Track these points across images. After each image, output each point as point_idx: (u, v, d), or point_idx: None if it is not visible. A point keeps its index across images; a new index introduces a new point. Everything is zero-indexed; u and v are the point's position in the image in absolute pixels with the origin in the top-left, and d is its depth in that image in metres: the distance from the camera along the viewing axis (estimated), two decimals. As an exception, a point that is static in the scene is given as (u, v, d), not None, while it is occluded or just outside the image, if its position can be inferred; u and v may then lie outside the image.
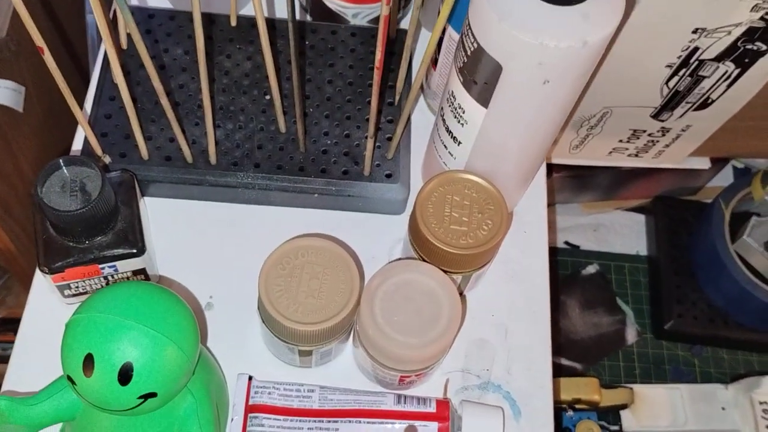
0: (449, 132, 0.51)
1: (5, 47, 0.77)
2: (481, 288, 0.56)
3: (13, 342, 1.17)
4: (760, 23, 0.60)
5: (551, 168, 0.84)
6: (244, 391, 0.49)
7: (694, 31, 0.61)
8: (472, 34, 0.43)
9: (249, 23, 0.61)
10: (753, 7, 0.58)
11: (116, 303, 0.37)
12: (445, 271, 0.50)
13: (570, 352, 0.83)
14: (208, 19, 0.61)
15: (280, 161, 0.56)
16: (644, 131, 0.77)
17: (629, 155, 0.82)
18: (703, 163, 0.85)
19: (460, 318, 0.46)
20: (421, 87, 0.63)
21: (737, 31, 0.61)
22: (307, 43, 0.61)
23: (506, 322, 0.55)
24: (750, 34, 0.61)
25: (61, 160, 0.45)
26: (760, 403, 0.78)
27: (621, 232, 0.92)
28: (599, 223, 0.93)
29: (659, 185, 0.91)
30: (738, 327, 0.83)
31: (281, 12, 0.65)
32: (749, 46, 0.63)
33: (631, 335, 0.86)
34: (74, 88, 0.47)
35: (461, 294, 0.54)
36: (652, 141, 0.79)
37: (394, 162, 0.57)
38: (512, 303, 0.56)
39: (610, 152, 0.81)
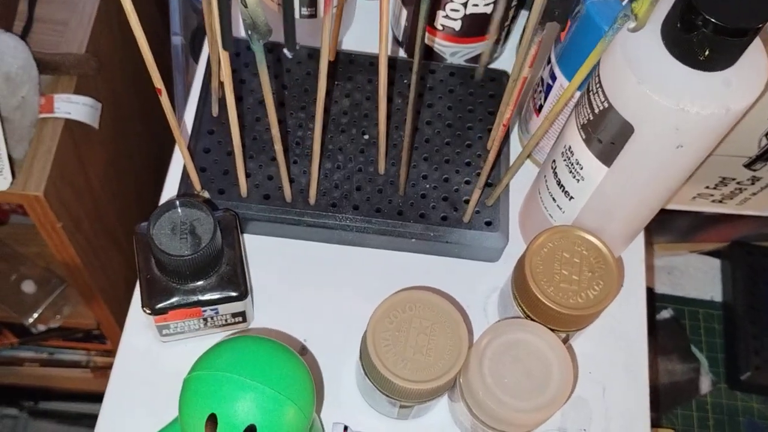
0: (561, 186, 0.50)
1: (87, 64, 0.77)
2: (579, 343, 0.55)
3: (62, 348, 1.17)
4: None
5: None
6: (340, 441, 0.48)
7: (803, 86, 0.59)
8: (603, 93, 0.42)
9: (347, 58, 0.61)
10: None
11: (239, 362, 0.36)
12: (553, 329, 0.49)
13: (643, 400, 0.81)
14: (307, 52, 0.61)
15: (379, 204, 0.55)
16: (733, 179, 0.75)
17: (713, 201, 0.80)
18: (787, 212, 0.83)
19: (571, 382, 0.45)
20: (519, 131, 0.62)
21: None
22: (405, 81, 0.61)
23: (603, 381, 0.54)
24: None
25: (177, 202, 0.45)
26: (841, 464, 0.76)
27: (695, 276, 0.90)
28: (673, 266, 0.91)
29: (737, 230, 0.89)
30: (817, 382, 0.81)
31: (361, 46, 0.64)
32: None
33: (705, 384, 0.84)
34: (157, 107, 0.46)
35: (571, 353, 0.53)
36: (740, 188, 0.77)
37: (494, 209, 0.56)
38: (610, 360, 0.55)
39: (695, 197, 0.80)
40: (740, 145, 0.69)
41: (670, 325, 0.86)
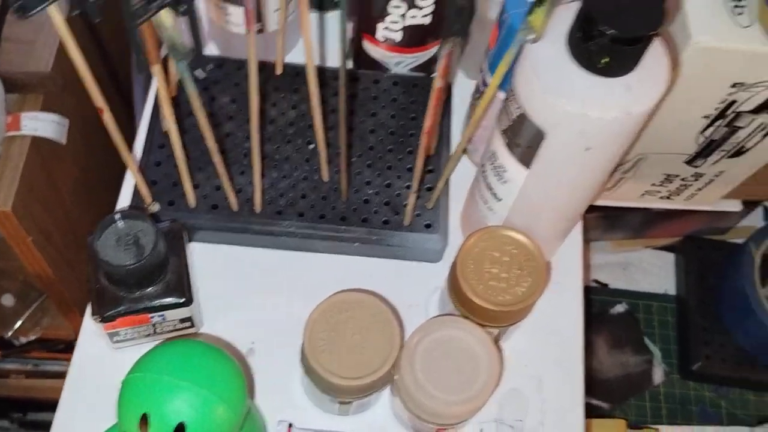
0: (490, 188, 0.52)
1: (51, 82, 0.79)
2: (515, 338, 0.57)
3: (46, 360, 1.19)
4: (797, 80, 0.61)
5: (582, 208, 0.85)
6: (284, 437, 0.51)
7: (733, 86, 0.62)
8: (516, 101, 0.44)
9: (294, 71, 0.63)
10: (791, 65, 0.59)
11: (171, 364, 0.39)
12: (482, 325, 0.52)
13: (597, 392, 0.84)
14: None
15: (323, 210, 0.57)
16: (677, 176, 0.78)
17: (661, 197, 0.83)
18: (735, 206, 0.86)
19: (498, 376, 0.47)
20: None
21: (774, 87, 0.62)
22: (350, 92, 0.63)
23: (540, 374, 0.56)
24: (786, 89, 0.62)
25: (116, 215, 0.47)
26: (787, 448, 0.78)
27: (650, 270, 0.93)
28: (628, 261, 0.93)
29: (689, 225, 0.92)
30: (766, 370, 0.83)
31: (327, 60, 0.67)
32: (786, 101, 0.64)
33: (658, 375, 0.86)
34: (120, 122, 0.48)
35: (498, 347, 0.55)
36: (685, 185, 0.80)
37: (433, 212, 0.58)
38: (546, 354, 0.57)
39: (643, 194, 0.82)
40: (680, 143, 0.71)
41: (624, 319, 0.88)
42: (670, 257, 0.94)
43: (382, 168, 0.59)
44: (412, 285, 0.58)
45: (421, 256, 0.59)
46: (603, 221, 0.88)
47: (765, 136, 0.69)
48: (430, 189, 0.59)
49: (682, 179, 0.79)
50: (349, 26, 0.65)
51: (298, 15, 0.64)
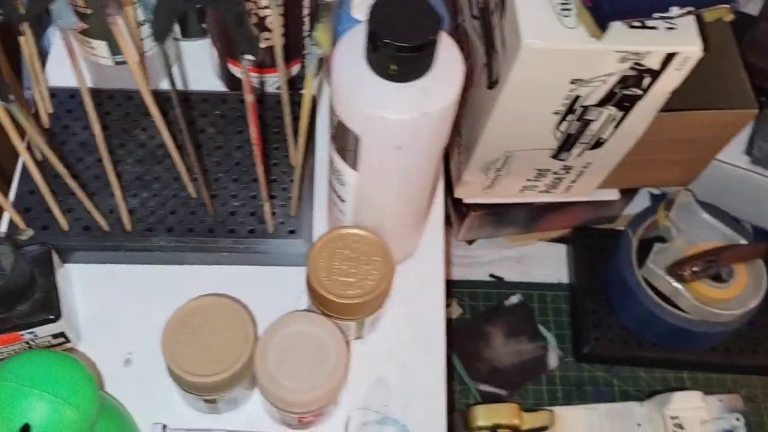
0: (335, 192, 0.56)
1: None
2: (381, 330, 0.61)
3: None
4: (632, 72, 0.66)
5: (468, 207, 0.90)
6: (158, 439, 0.54)
7: (573, 82, 0.67)
8: (335, 110, 0.48)
9: (162, 97, 0.67)
10: (621, 59, 0.64)
11: (15, 371, 0.42)
12: (339, 318, 0.56)
13: (494, 380, 0.88)
14: (125, 95, 0.67)
15: (191, 224, 0.61)
16: (548, 170, 0.83)
17: (540, 192, 0.88)
18: (613, 195, 0.91)
19: (345, 363, 0.51)
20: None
21: (612, 80, 0.67)
22: (217, 112, 0.67)
23: (404, 360, 0.60)
24: (624, 81, 0.67)
25: (-24, 241, 0.50)
26: (671, 417, 0.83)
27: (543, 262, 0.98)
28: (523, 254, 0.98)
29: (576, 217, 0.97)
30: (651, 347, 0.89)
31: (196, 84, 0.71)
32: (626, 92, 0.69)
33: (553, 360, 0.91)
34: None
35: (359, 338, 0.59)
36: (558, 178, 0.85)
37: (297, 219, 0.62)
38: (411, 343, 0.61)
39: (522, 190, 0.87)
40: (540, 139, 0.76)
41: (518, 309, 0.93)
42: (562, 248, 0.99)
43: (247, 181, 0.63)
44: (283, 288, 0.62)
45: (287, 261, 0.62)
46: (490, 219, 0.93)
47: (616, 127, 0.74)
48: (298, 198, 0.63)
49: (554, 173, 0.84)
50: (215, 51, 0.69)
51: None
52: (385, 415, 0.58)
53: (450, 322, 0.93)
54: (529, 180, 0.85)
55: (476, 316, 0.92)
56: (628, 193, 0.94)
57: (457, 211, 0.96)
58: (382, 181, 0.51)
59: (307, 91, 0.48)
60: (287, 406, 0.52)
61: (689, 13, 0.61)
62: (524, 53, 0.63)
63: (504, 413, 0.81)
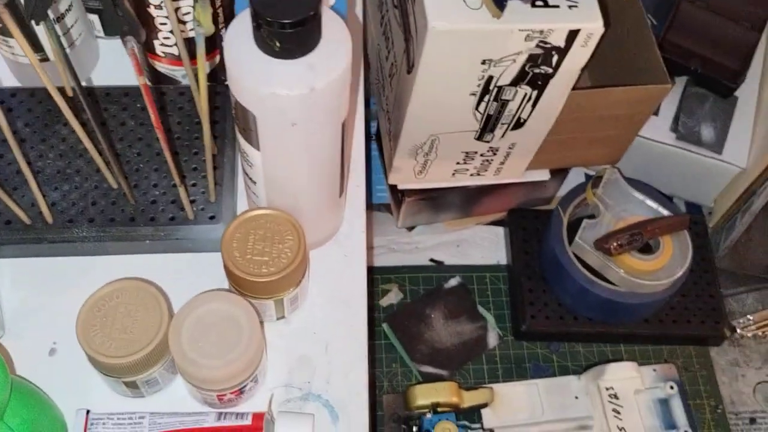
0: (246, 174, 0.58)
1: None
2: (304, 310, 0.63)
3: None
4: (538, 50, 0.68)
5: (404, 194, 0.92)
6: (82, 424, 0.55)
7: (483, 62, 0.69)
8: (230, 90, 0.50)
9: (84, 92, 0.68)
10: (526, 37, 0.66)
11: None
12: (257, 298, 0.57)
13: (436, 361, 0.90)
14: (46, 92, 0.68)
15: (112, 214, 0.62)
16: (476, 152, 0.84)
17: (471, 175, 0.90)
18: (544, 175, 0.93)
19: (258, 339, 0.53)
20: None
21: (521, 59, 0.69)
22: (138, 105, 0.68)
23: (327, 338, 0.62)
24: (533, 60, 0.69)
25: None
26: (606, 389, 0.85)
27: (482, 245, 1.00)
28: (462, 238, 1.00)
29: (512, 199, 0.99)
30: (587, 322, 0.90)
31: (117, 80, 0.71)
32: (537, 71, 0.71)
33: (492, 339, 0.93)
34: None
35: (282, 317, 0.61)
36: (487, 160, 0.87)
37: (217, 205, 0.63)
38: (334, 321, 0.63)
39: (453, 174, 0.89)
40: (462, 121, 0.78)
41: (457, 291, 0.95)
42: (500, 231, 1.01)
43: (167, 170, 0.65)
44: (208, 273, 0.63)
45: (210, 247, 0.64)
46: (426, 204, 0.95)
47: (533, 106, 0.76)
48: (216, 184, 0.64)
49: (482, 155, 0.86)
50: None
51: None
52: (308, 391, 0.60)
53: (392, 307, 0.95)
54: (458, 163, 0.87)
55: (416, 300, 0.93)
56: (559, 174, 0.96)
57: (394, 198, 0.98)
58: (284, 159, 0.53)
59: (201, 73, 0.49)
60: (203, 383, 0.53)
61: (585, -12, 0.63)
62: (431, 36, 0.65)
63: (443, 392, 0.83)
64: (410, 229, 1.01)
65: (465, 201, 0.96)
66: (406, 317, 0.92)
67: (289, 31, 0.44)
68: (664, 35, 1.00)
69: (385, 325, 0.92)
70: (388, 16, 0.84)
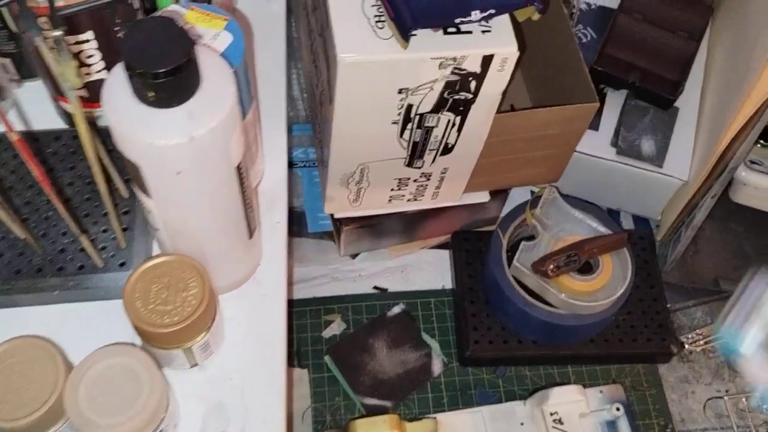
0: (148, 220, 0.56)
1: None
2: (221, 354, 0.61)
3: None
4: (455, 77, 0.67)
5: (341, 222, 0.90)
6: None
7: (400, 92, 0.68)
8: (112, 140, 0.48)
9: (-9, 139, 0.66)
10: (440, 65, 0.65)
11: None
12: (164, 348, 0.56)
13: (379, 392, 0.88)
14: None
15: (18, 266, 0.60)
16: (408, 178, 0.83)
17: (408, 200, 0.88)
18: (483, 197, 0.92)
19: (160, 390, 0.51)
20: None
21: (438, 86, 0.68)
22: (49, 150, 0.66)
23: (243, 384, 0.60)
24: (451, 86, 0.68)
25: None
26: (551, 414, 0.84)
27: (426, 269, 0.98)
28: (406, 264, 0.99)
29: (455, 222, 0.98)
30: (531, 345, 0.89)
31: (38, 123, 0.70)
32: (456, 97, 0.70)
33: (437, 367, 0.91)
34: None
35: (195, 365, 0.59)
36: (422, 186, 0.85)
37: (128, 251, 0.62)
38: (251, 365, 0.61)
39: (390, 200, 0.87)
40: (388, 149, 0.77)
41: (401, 319, 0.93)
42: (445, 254, 0.99)
43: (78, 217, 0.63)
44: (121, 321, 0.61)
45: (120, 294, 0.62)
46: (366, 231, 0.93)
47: (459, 131, 0.75)
48: (125, 230, 0.63)
49: (415, 181, 0.84)
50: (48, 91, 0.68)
51: None
52: (222, 440, 0.58)
53: (335, 338, 0.93)
54: (392, 190, 0.85)
55: (358, 330, 0.92)
56: (500, 194, 0.95)
57: (335, 227, 0.96)
58: (177, 206, 0.51)
59: (81, 128, 0.47)
60: (103, 441, 0.51)
61: (491, 16, 0.62)
62: (342, 67, 0.64)
63: (383, 425, 0.81)
64: (354, 256, 0.99)
65: (406, 226, 0.95)
66: (349, 348, 0.91)
67: (162, 80, 0.43)
68: (602, 49, 0.99)
69: (327, 357, 0.91)
70: (316, 44, 0.83)
